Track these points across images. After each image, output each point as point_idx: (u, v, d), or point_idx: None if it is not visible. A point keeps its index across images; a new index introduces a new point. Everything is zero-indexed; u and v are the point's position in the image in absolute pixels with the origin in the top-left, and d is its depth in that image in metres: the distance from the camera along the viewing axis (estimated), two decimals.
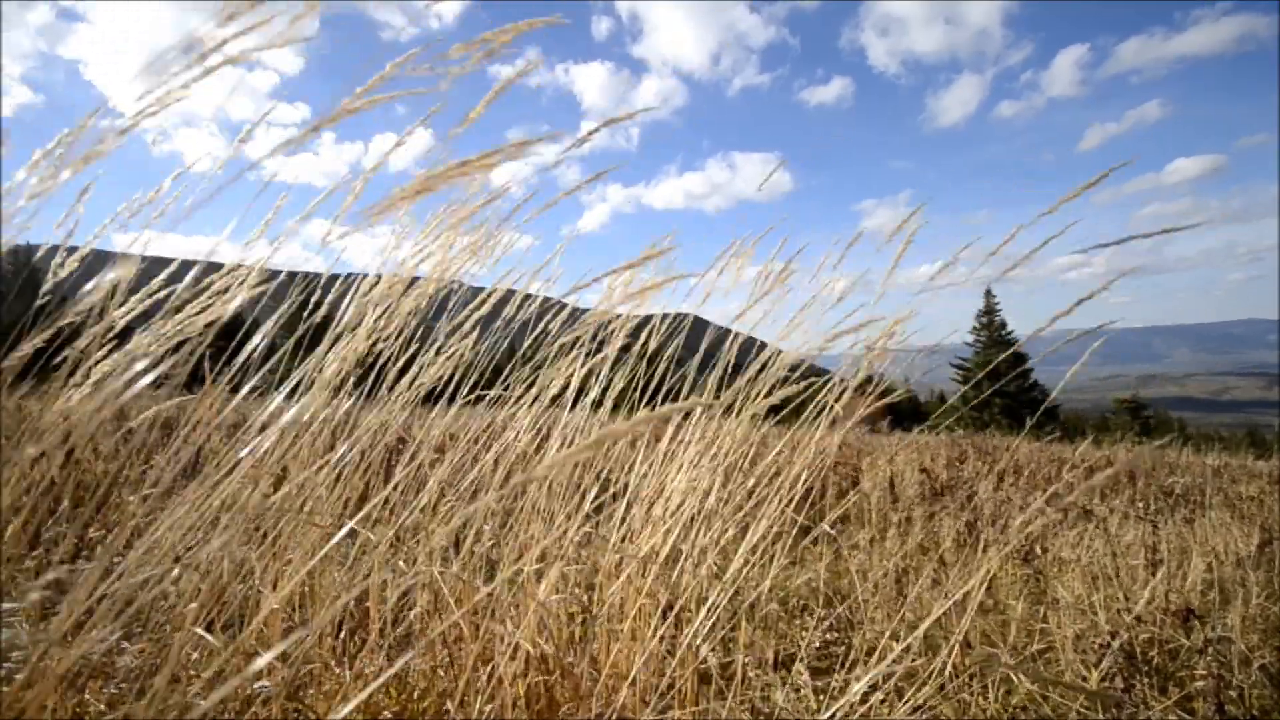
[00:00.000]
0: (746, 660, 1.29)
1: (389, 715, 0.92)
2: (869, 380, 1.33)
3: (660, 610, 1.02)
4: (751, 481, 1.23)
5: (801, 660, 1.25)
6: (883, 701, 1.07)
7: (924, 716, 1.07)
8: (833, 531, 2.45)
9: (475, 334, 1.33)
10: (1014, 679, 1.25)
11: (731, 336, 1.57)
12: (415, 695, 0.95)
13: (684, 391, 1.45)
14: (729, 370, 1.47)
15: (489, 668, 0.90)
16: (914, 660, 1.12)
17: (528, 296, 1.52)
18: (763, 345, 1.56)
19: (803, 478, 1.16)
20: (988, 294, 26.23)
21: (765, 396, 1.19)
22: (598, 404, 1.40)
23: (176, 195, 0.91)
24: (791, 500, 1.14)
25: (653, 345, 1.49)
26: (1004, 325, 27.24)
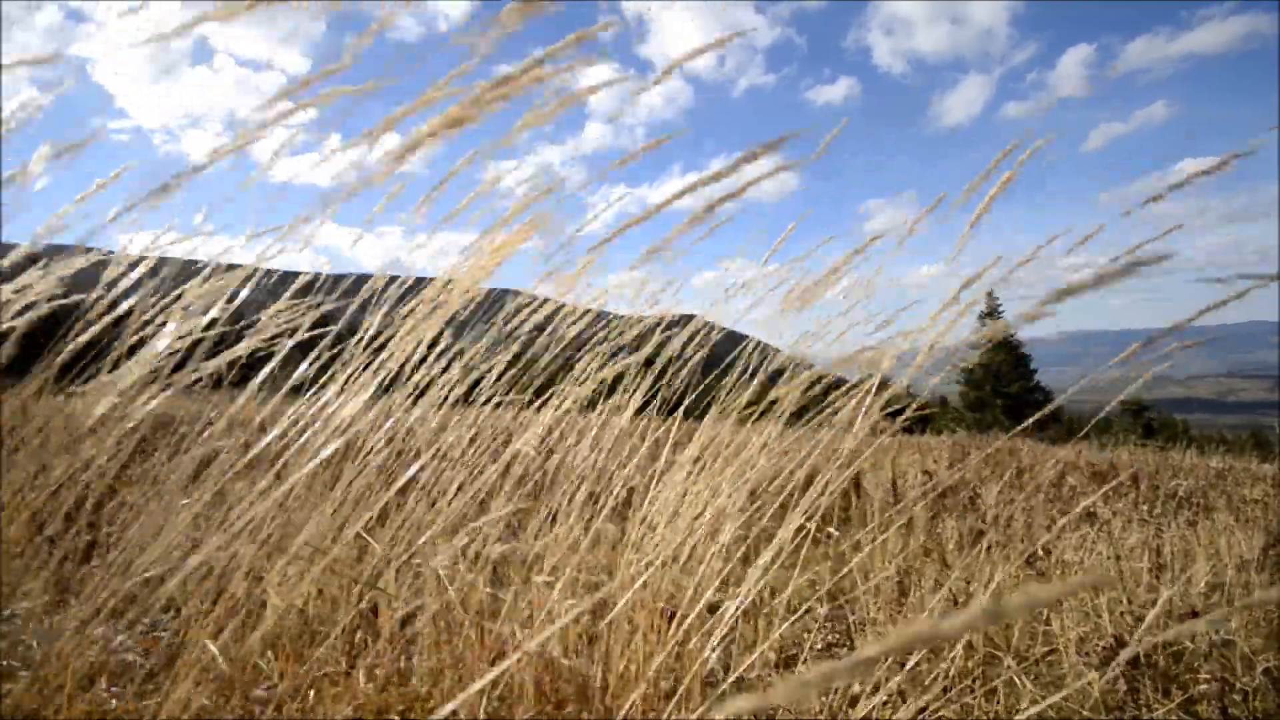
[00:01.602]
0: (749, 661, 1.29)
1: (395, 716, 0.93)
2: (883, 385, 1.33)
3: (669, 616, 1.03)
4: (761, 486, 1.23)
5: (804, 661, 1.25)
6: (885, 704, 1.07)
7: (929, 719, 1.07)
8: (835, 532, 2.45)
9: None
10: (1017, 682, 1.25)
11: (754, 343, 1.58)
12: (420, 695, 0.95)
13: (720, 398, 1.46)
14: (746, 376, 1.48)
15: (494, 669, 0.91)
16: (915, 663, 1.12)
17: (535, 298, 1.52)
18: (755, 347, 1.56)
19: (829, 485, 1.16)
20: (990, 295, 26.15)
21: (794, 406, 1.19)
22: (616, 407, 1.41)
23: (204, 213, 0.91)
24: (817, 510, 1.14)
25: (691, 355, 1.48)
26: (1006, 326, 27.10)
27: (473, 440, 1.30)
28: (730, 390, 1.39)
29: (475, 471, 1.21)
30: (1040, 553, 2.09)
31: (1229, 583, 1.96)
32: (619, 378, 1.42)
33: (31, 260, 0.99)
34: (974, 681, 1.27)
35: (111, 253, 1.07)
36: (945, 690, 1.13)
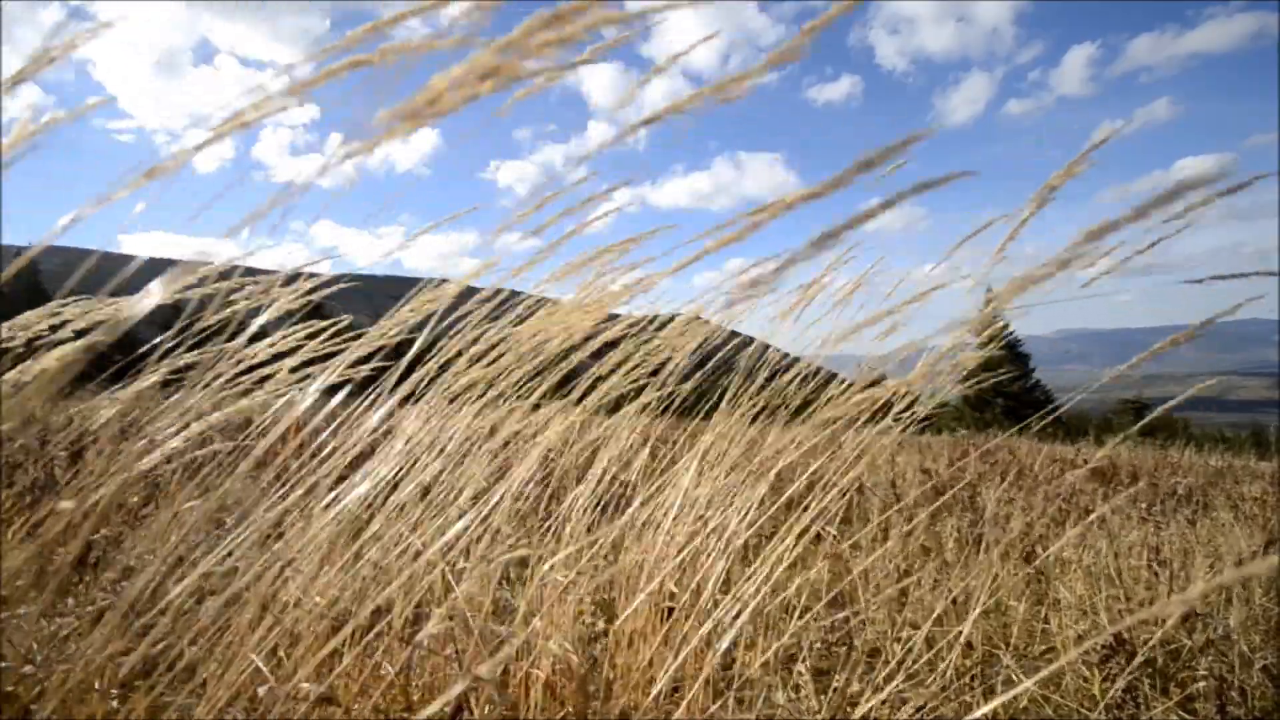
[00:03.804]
0: (746, 660, 1.29)
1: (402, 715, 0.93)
2: (880, 382, 1.34)
3: (671, 614, 1.03)
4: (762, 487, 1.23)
5: (803, 660, 1.25)
6: (884, 702, 1.08)
7: (927, 718, 1.08)
8: (834, 531, 2.46)
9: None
10: (1015, 680, 1.25)
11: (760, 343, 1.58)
12: (424, 696, 0.96)
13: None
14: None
15: (499, 669, 0.91)
16: (915, 663, 1.12)
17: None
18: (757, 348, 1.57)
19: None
20: (987, 292, 26.18)
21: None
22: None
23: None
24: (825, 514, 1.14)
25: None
26: (1005, 325, 27.17)
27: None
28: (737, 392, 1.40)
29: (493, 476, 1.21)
30: (1039, 550, 2.09)
31: (1228, 580, 1.97)
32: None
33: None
34: (972, 680, 1.27)
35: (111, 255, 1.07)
36: (944, 689, 1.13)
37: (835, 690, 1.24)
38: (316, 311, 1.35)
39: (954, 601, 1.38)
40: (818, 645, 1.45)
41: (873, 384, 1.27)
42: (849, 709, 1.16)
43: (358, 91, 0.69)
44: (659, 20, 0.59)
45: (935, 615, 1.32)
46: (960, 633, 1.01)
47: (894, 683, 0.94)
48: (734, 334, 1.68)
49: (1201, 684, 1.18)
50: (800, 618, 1.13)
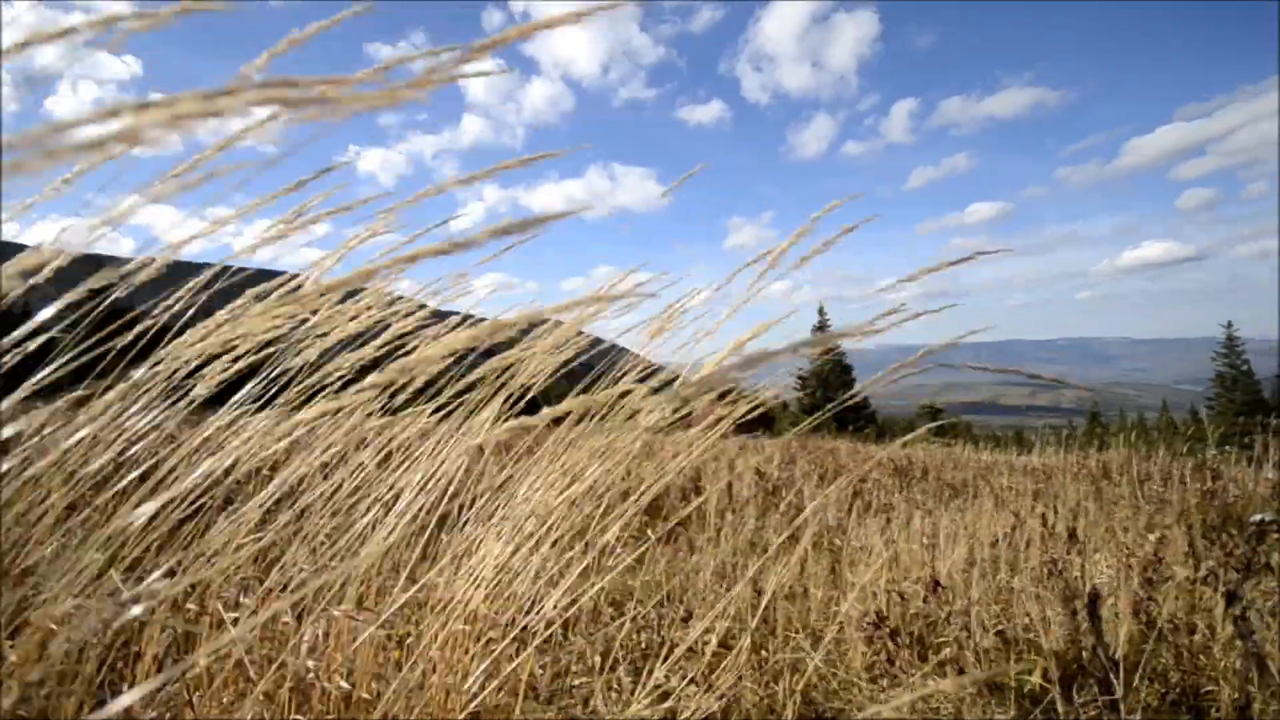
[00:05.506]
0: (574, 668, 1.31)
1: None
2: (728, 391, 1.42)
3: (481, 630, 1.01)
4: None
5: (624, 660, 1.30)
6: (677, 674, 1.14)
7: (728, 702, 1.16)
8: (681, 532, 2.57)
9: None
10: (806, 660, 1.40)
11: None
12: None
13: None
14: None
15: (271, 703, 0.83)
16: (716, 652, 1.21)
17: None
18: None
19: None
20: (820, 311, 29.48)
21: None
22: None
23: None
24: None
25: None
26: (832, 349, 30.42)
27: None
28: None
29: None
30: (839, 542, 2.35)
31: (982, 559, 2.36)
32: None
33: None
34: (764, 663, 1.40)
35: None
36: (740, 678, 1.23)
37: (653, 686, 1.30)
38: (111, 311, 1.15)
39: (758, 592, 1.51)
40: (641, 644, 1.51)
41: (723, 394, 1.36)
42: (662, 700, 1.21)
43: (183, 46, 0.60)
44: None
45: (754, 605, 1.43)
46: (758, 621, 1.11)
47: (697, 668, 1.01)
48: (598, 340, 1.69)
49: (947, 651, 1.40)
50: (630, 619, 1.17)
